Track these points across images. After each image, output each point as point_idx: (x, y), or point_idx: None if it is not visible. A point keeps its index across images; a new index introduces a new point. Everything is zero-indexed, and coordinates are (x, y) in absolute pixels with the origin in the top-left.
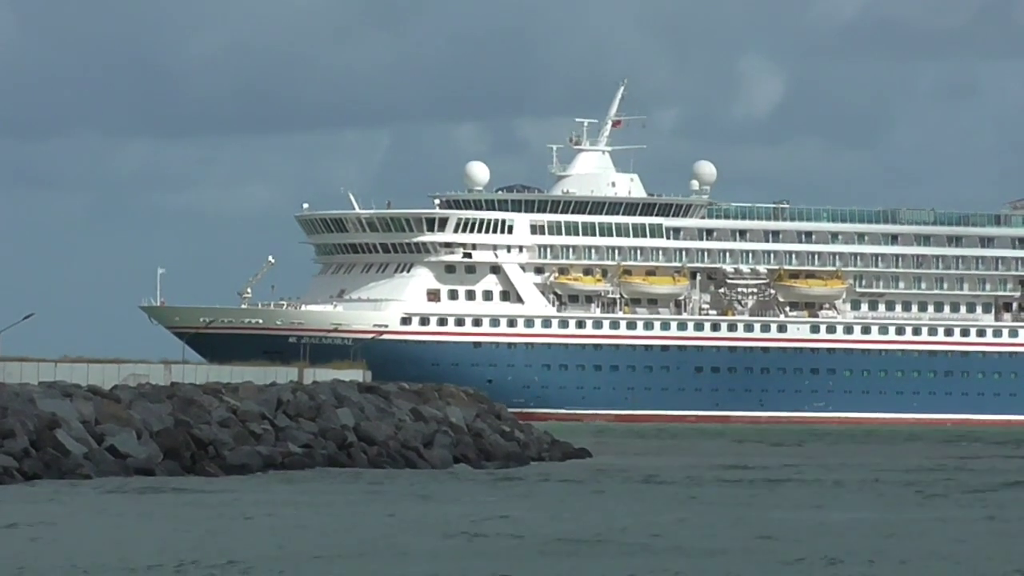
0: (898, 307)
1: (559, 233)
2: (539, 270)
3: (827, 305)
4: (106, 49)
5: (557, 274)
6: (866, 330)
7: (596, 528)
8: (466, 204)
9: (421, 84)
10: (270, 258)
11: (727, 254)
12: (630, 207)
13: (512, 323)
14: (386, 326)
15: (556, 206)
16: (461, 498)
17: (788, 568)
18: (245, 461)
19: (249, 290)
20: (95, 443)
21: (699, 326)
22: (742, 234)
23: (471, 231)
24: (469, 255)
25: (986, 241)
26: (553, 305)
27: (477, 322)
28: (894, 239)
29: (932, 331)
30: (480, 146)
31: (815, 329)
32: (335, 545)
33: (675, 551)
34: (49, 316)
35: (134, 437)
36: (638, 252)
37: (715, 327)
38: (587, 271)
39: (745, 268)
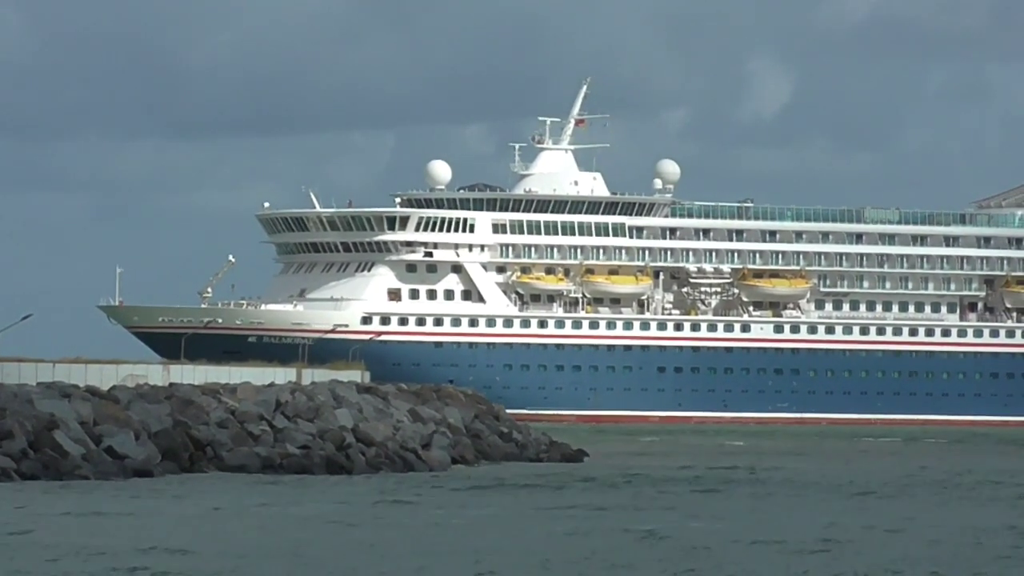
0: (862, 307)
1: (521, 232)
2: (501, 269)
3: (791, 305)
4: (108, 50)
5: (519, 273)
6: (830, 330)
7: None
8: (427, 203)
9: (426, 86)
10: (230, 257)
11: (690, 253)
12: (593, 206)
13: (473, 323)
14: (347, 326)
15: (518, 205)
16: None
17: None
18: (243, 462)
19: (210, 289)
20: (93, 444)
21: (662, 326)
22: (705, 233)
23: (432, 230)
24: (430, 254)
25: (951, 240)
26: (515, 304)
27: (438, 322)
28: (858, 238)
29: (897, 331)
30: (487, 147)
31: (779, 329)
32: None
33: None
34: (49, 317)
35: (132, 438)
36: (601, 251)
37: (678, 327)
38: (549, 270)
39: (708, 267)
